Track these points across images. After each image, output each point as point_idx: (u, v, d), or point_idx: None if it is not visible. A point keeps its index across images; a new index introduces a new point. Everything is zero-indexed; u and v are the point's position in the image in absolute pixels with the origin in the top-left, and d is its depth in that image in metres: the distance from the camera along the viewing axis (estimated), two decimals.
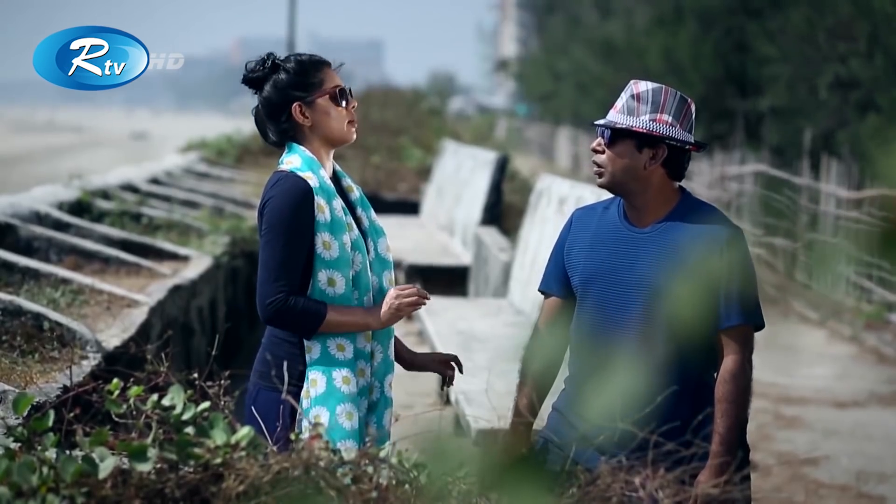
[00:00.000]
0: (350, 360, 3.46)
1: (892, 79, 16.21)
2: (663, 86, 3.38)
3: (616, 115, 3.38)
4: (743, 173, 18.40)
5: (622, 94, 3.40)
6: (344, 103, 3.55)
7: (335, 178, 3.60)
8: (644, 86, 3.38)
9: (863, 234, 12.81)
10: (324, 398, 3.42)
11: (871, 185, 13.56)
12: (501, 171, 12.13)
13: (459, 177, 13.57)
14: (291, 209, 3.40)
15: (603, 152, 3.40)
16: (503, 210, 12.50)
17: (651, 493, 2.59)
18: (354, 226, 3.52)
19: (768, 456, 7.62)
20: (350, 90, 3.60)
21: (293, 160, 3.51)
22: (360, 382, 3.48)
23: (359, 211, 3.62)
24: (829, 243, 12.68)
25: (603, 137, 3.40)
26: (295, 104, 3.51)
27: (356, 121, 3.61)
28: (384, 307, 3.50)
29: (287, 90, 3.51)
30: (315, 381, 3.44)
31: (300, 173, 3.46)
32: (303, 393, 3.44)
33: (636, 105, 3.36)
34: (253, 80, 3.55)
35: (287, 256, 3.39)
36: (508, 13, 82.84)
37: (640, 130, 3.33)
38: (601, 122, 3.41)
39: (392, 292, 3.52)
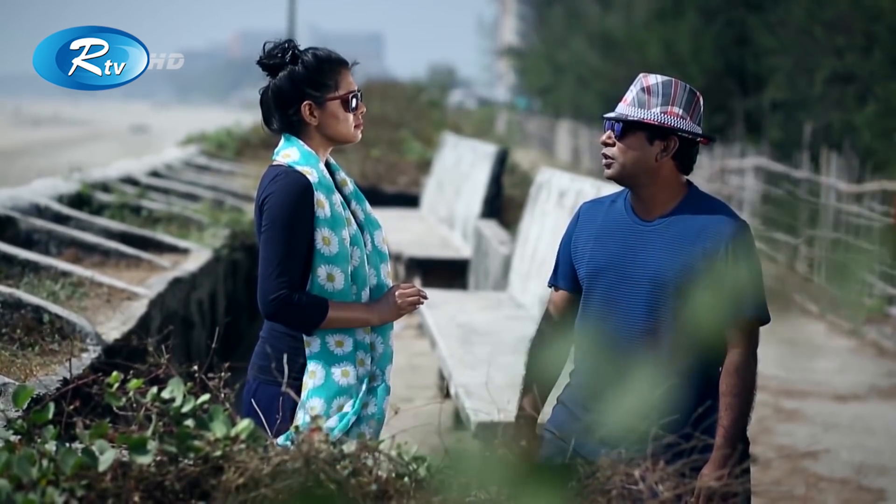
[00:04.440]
0: (349, 354, 3.47)
1: (890, 71, 16.21)
2: (673, 78, 3.38)
3: (627, 108, 3.38)
4: (743, 167, 18.39)
5: (632, 87, 3.40)
6: (354, 107, 3.55)
7: (329, 171, 3.59)
8: (654, 79, 3.38)
9: (863, 228, 12.80)
10: (320, 390, 3.43)
11: (871, 178, 13.56)
12: (501, 164, 12.12)
13: (459, 170, 13.57)
14: (292, 205, 3.40)
15: (613, 145, 3.40)
16: (503, 203, 12.49)
17: (651, 485, 2.59)
18: (353, 220, 3.52)
19: (768, 449, 7.62)
20: (361, 94, 3.59)
21: (291, 153, 3.50)
22: (360, 372, 3.49)
23: (353, 205, 3.61)
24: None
25: (613, 130, 3.40)
26: (305, 102, 3.50)
27: (363, 124, 3.61)
28: (385, 304, 3.51)
29: (301, 86, 3.49)
30: (314, 372, 3.45)
31: (298, 167, 3.45)
32: (303, 384, 3.45)
33: (647, 98, 3.36)
34: (269, 65, 3.53)
35: (288, 252, 3.39)
36: (508, 6, 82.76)
37: (652, 123, 3.34)
38: (612, 114, 3.41)
39: (394, 290, 3.53)
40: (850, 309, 12.09)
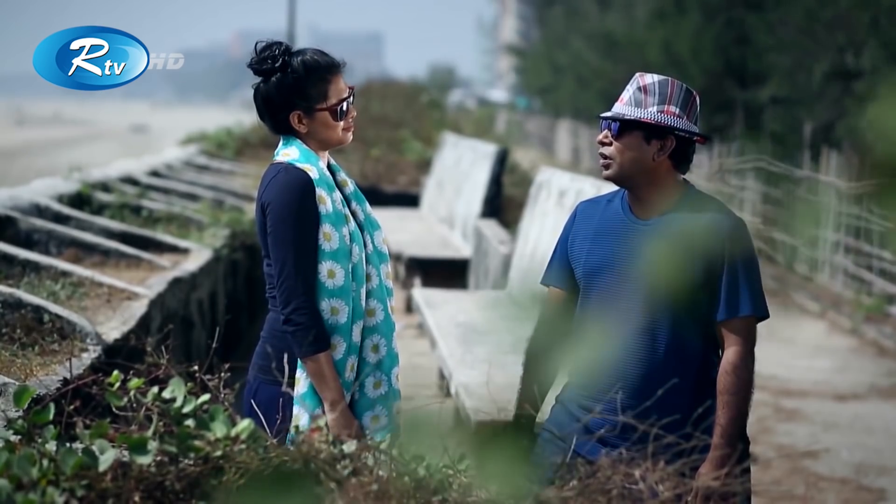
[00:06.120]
0: (339, 361, 3.44)
1: (891, 69, 16.20)
2: (669, 78, 3.39)
3: (623, 108, 3.38)
4: (743, 166, 18.38)
5: (628, 87, 3.40)
6: (345, 112, 3.53)
7: (330, 171, 3.58)
8: (650, 78, 3.38)
9: (863, 226, 12.80)
10: (303, 399, 3.42)
11: (870, 176, 13.54)
12: (501, 163, 12.10)
13: (459, 169, 13.56)
14: (296, 201, 3.40)
15: (610, 144, 3.40)
16: (503, 203, 12.48)
17: (651, 485, 2.59)
18: (352, 218, 3.52)
19: (768, 448, 7.62)
20: (353, 96, 3.56)
21: (291, 152, 3.50)
22: (347, 378, 3.46)
23: (354, 205, 3.61)
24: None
25: (610, 130, 3.40)
26: (294, 112, 3.49)
27: (353, 126, 3.59)
28: (348, 417, 3.42)
29: (290, 96, 3.47)
30: (299, 380, 3.44)
31: (299, 165, 3.45)
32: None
33: (643, 97, 3.36)
34: (260, 70, 3.51)
35: (302, 248, 3.38)
36: (508, 6, 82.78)
37: (649, 122, 3.34)
38: (608, 114, 3.41)
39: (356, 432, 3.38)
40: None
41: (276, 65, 3.46)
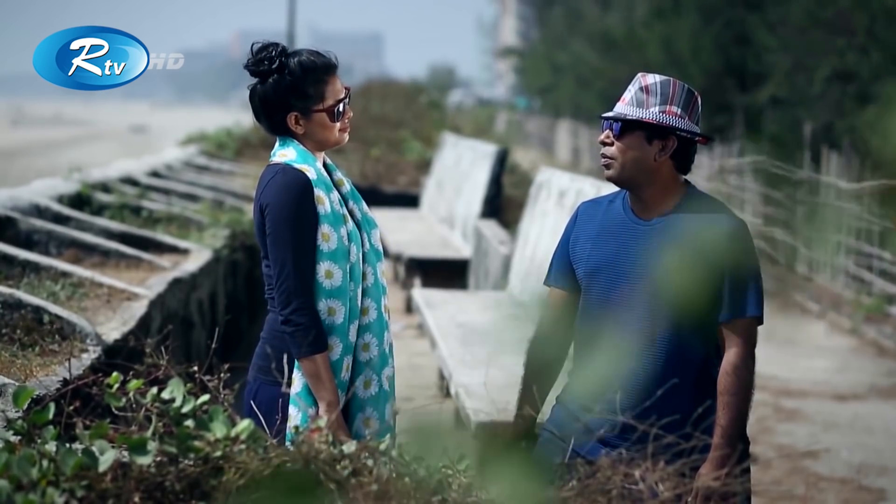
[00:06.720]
0: (335, 363, 3.44)
1: (890, 70, 16.21)
2: (671, 78, 3.38)
3: (625, 108, 3.38)
4: (743, 166, 18.39)
5: (630, 87, 3.40)
6: (341, 112, 3.53)
7: (326, 170, 3.58)
8: (652, 78, 3.38)
9: (863, 227, 12.80)
10: (297, 399, 3.42)
11: (871, 177, 13.55)
12: (501, 163, 12.11)
13: (459, 170, 13.56)
14: (295, 202, 3.39)
15: (612, 144, 3.39)
16: (503, 203, 12.48)
17: (651, 485, 2.59)
18: (349, 217, 3.52)
19: (768, 449, 7.62)
20: (349, 97, 3.56)
21: (288, 153, 3.49)
22: (343, 378, 3.46)
23: (351, 203, 3.61)
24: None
25: (611, 130, 3.39)
26: (291, 113, 3.48)
27: (349, 127, 3.58)
28: (340, 417, 3.40)
29: (287, 97, 3.47)
30: (295, 380, 3.44)
31: (297, 165, 3.45)
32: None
33: (645, 97, 3.36)
34: (256, 72, 3.51)
35: (303, 253, 3.38)
36: (508, 6, 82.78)
37: (651, 122, 3.34)
38: (610, 114, 3.41)
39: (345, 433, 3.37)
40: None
41: (273, 66, 3.46)
